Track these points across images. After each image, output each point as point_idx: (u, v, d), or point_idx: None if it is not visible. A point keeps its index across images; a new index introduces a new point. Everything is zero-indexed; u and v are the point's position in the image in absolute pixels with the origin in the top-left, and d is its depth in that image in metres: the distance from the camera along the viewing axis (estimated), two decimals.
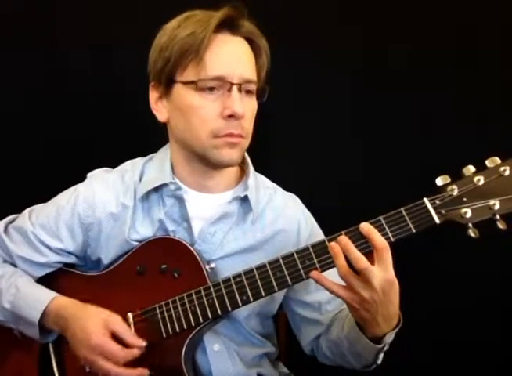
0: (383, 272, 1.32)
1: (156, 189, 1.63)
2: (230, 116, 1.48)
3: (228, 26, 1.51)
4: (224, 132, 1.50)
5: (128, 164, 1.73)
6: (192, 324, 1.51)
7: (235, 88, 1.48)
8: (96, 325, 1.48)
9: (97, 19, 2.30)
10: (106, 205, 1.64)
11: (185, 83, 1.50)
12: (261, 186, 1.71)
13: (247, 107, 1.53)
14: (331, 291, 1.39)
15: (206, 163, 1.57)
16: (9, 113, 2.30)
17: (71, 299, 1.58)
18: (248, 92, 1.54)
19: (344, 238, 1.36)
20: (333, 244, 1.37)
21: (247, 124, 1.54)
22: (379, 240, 1.33)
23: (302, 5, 2.25)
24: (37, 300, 1.58)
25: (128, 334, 1.50)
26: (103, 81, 2.29)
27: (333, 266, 1.38)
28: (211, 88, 1.49)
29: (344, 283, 1.37)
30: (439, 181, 1.37)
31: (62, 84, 2.31)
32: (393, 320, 1.42)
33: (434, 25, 2.20)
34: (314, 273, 1.39)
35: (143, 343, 1.49)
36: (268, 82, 1.60)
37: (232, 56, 1.51)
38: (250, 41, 1.56)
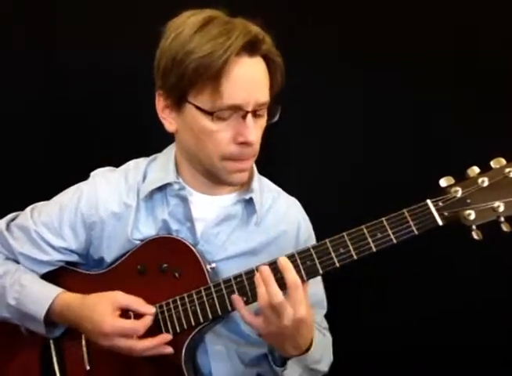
0: (293, 311, 1.34)
1: (160, 189, 1.63)
2: (243, 143, 1.47)
3: (247, 48, 1.44)
4: (236, 157, 1.50)
5: (131, 164, 1.73)
6: (193, 324, 1.51)
7: (249, 115, 1.45)
8: (103, 310, 1.49)
9: (97, 19, 2.28)
10: (109, 204, 1.64)
11: (200, 109, 1.45)
12: (265, 189, 1.71)
13: (258, 129, 1.51)
14: (243, 318, 1.42)
15: (213, 179, 1.58)
16: (9, 113, 2.29)
17: (74, 294, 1.59)
18: (261, 113, 1.51)
19: (266, 269, 1.38)
20: (257, 274, 1.39)
21: (257, 145, 1.53)
22: (291, 277, 1.35)
23: (303, 5, 2.26)
24: (42, 297, 1.59)
25: (138, 304, 1.52)
26: (103, 81, 2.28)
27: (335, 267, 1.39)
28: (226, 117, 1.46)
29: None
30: (443, 182, 1.36)
31: (62, 84, 2.31)
32: (302, 347, 1.46)
33: (434, 25, 2.20)
34: (235, 297, 1.43)
35: (153, 309, 1.52)
36: (280, 101, 1.56)
37: (249, 83, 1.45)
38: (266, 59, 1.50)
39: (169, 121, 1.55)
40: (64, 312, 1.57)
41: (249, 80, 1.45)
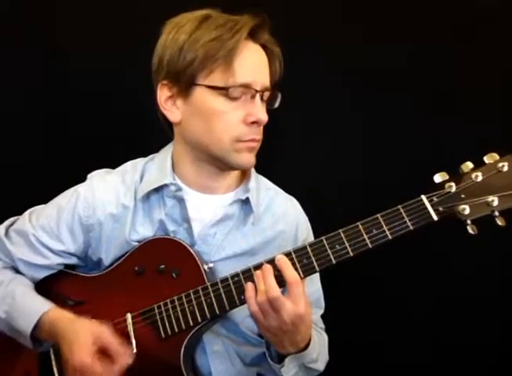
0: (294, 306, 1.35)
1: (157, 190, 1.62)
2: (253, 122, 1.50)
3: (252, 34, 1.51)
4: (247, 138, 1.51)
5: (128, 165, 1.72)
6: (191, 324, 1.51)
7: (258, 95, 1.50)
8: (83, 342, 1.45)
9: (97, 20, 2.29)
10: (107, 206, 1.63)
11: (211, 87, 1.49)
12: (262, 188, 1.71)
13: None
14: (250, 307, 1.41)
15: (220, 165, 1.57)
16: (9, 113, 2.30)
17: (64, 312, 1.56)
18: (264, 98, 1.55)
19: (267, 266, 1.40)
20: (258, 271, 1.40)
21: (262, 130, 1.56)
22: (291, 274, 1.36)
23: (302, 4, 2.25)
24: (31, 312, 1.57)
25: (117, 349, 1.46)
26: (103, 81, 2.28)
27: (331, 264, 1.40)
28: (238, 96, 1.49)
29: None
30: (437, 178, 1.37)
31: (62, 84, 2.31)
32: (300, 345, 1.46)
33: (433, 24, 2.20)
34: (249, 284, 1.41)
35: (129, 361, 1.47)
36: (279, 89, 1.60)
37: (257, 64, 1.53)
38: (265, 48, 1.56)
39: (172, 111, 1.57)
40: (52, 325, 1.54)
41: (256, 61, 1.53)
